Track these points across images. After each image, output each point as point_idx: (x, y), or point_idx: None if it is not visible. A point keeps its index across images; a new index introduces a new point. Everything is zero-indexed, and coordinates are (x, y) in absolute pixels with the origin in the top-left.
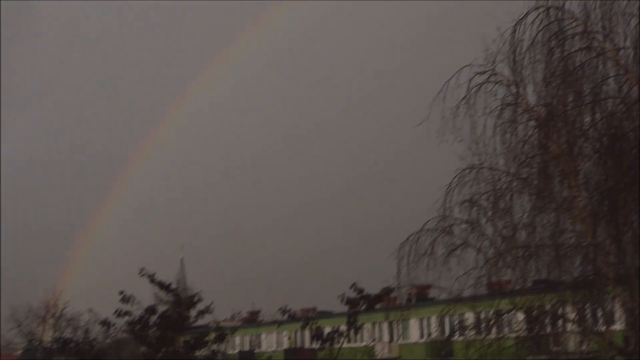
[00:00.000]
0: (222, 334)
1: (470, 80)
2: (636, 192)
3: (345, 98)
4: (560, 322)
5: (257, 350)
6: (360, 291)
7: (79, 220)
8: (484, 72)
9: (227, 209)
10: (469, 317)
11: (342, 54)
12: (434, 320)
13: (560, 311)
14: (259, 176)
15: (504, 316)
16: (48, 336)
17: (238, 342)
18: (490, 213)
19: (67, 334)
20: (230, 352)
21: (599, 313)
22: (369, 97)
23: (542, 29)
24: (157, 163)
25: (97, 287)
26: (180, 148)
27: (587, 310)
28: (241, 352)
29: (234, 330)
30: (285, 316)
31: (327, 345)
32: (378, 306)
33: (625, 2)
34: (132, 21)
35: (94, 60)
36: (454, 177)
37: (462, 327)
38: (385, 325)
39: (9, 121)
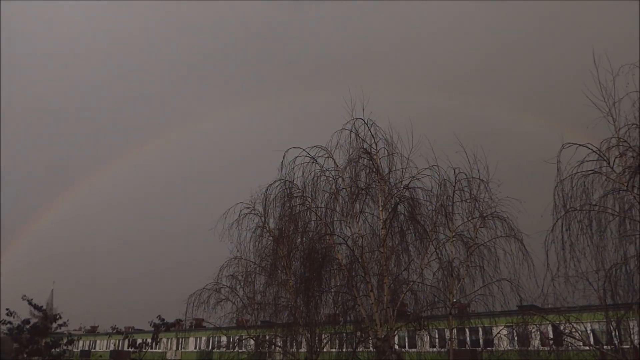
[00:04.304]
0: (71, 339)
1: (240, 211)
2: (319, 281)
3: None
4: (273, 346)
5: (93, 350)
6: (163, 319)
7: None
8: (248, 207)
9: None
10: (224, 339)
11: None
12: (204, 340)
13: (274, 340)
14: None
15: (243, 340)
16: None
17: (81, 345)
18: (242, 283)
19: None
20: (75, 350)
21: (294, 342)
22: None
23: (281, 191)
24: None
25: None
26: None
27: (288, 340)
28: (82, 351)
29: (79, 337)
30: (114, 331)
31: (138, 350)
32: (173, 329)
33: (324, 180)
34: None
35: None
36: (225, 261)
37: (220, 345)
38: (175, 340)
39: None
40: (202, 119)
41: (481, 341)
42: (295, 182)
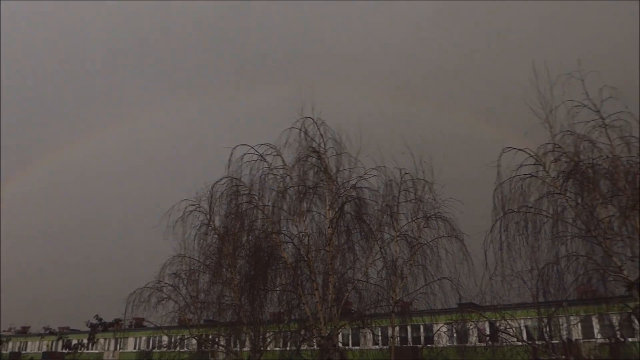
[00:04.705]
0: None
1: (185, 208)
2: (264, 279)
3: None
4: (216, 345)
5: (23, 352)
6: (100, 319)
7: None
8: (193, 205)
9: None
10: (165, 339)
11: None
12: (144, 340)
13: (217, 339)
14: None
15: (185, 340)
16: None
17: (11, 346)
18: (185, 281)
19: None
20: (4, 352)
21: (238, 341)
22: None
23: (227, 188)
24: None
25: None
26: None
27: (232, 339)
28: (11, 353)
29: (8, 338)
30: (47, 331)
31: (72, 351)
32: (111, 328)
33: (271, 178)
34: None
35: None
36: (168, 259)
37: (160, 345)
38: (113, 340)
39: None
40: (148, 112)
41: (422, 338)
42: (242, 179)
